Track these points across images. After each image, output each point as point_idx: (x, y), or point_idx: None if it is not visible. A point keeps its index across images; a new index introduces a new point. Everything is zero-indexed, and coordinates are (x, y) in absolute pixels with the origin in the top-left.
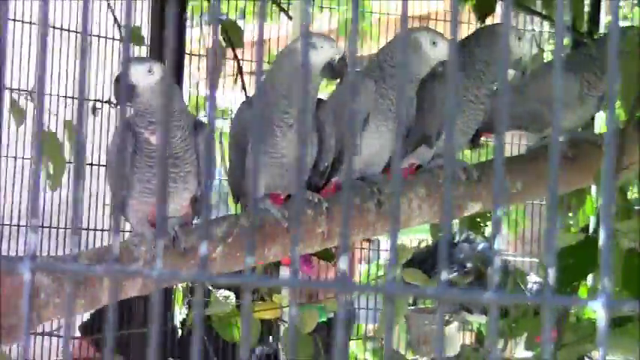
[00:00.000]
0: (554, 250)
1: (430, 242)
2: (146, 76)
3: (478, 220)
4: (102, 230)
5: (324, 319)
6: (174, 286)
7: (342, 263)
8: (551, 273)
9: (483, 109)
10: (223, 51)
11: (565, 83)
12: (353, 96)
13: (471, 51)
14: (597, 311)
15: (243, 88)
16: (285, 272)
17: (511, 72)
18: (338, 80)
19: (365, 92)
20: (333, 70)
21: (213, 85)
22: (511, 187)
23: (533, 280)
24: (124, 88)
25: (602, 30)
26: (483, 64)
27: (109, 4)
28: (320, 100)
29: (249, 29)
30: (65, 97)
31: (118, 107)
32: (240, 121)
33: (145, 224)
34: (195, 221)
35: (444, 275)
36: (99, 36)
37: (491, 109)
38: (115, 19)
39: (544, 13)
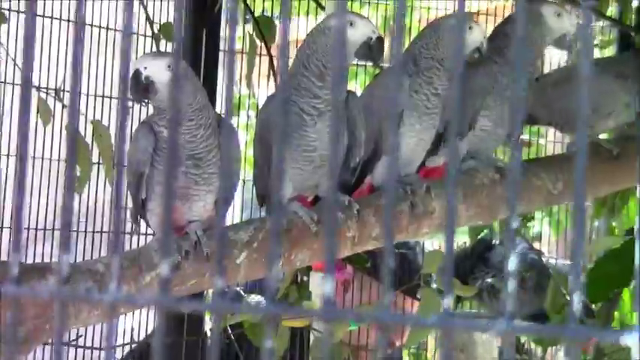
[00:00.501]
0: (579, 268)
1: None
2: (165, 72)
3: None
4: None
5: (353, 327)
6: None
7: (328, 286)
8: (576, 299)
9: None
10: (256, 47)
11: (612, 90)
12: (390, 93)
13: (505, 34)
14: (631, 346)
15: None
16: (315, 278)
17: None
18: (372, 63)
19: (398, 89)
20: (370, 50)
21: (230, 81)
22: (552, 187)
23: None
24: (136, 84)
25: None
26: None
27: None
28: (350, 92)
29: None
30: (96, 95)
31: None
32: (265, 114)
33: None
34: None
35: (447, 302)
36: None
37: (533, 101)
38: (147, 16)
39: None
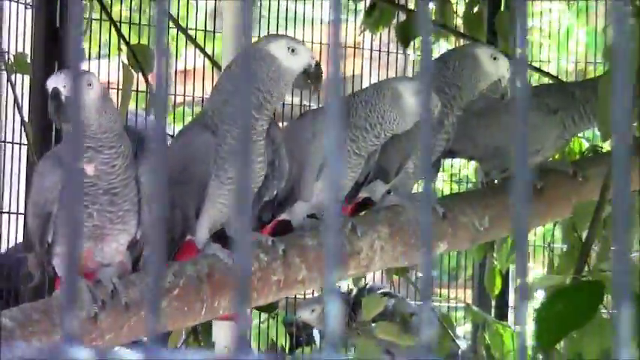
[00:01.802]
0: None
1: None
2: (87, 90)
3: None
4: None
5: None
6: None
7: (242, 323)
8: None
9: (446, 138)
10: (130, 77)
11: (542, 126)
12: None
13: (440, 73)
14: None
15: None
16: (220, 328)
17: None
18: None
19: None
20: (308, 78)
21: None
22: (478, 224)
23: None
24: (56, 105)
25: None
26: (455, 88)
27: None
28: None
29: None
30: None
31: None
32: (197, 148)
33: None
34: None
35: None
36: None
37: (455, 137)
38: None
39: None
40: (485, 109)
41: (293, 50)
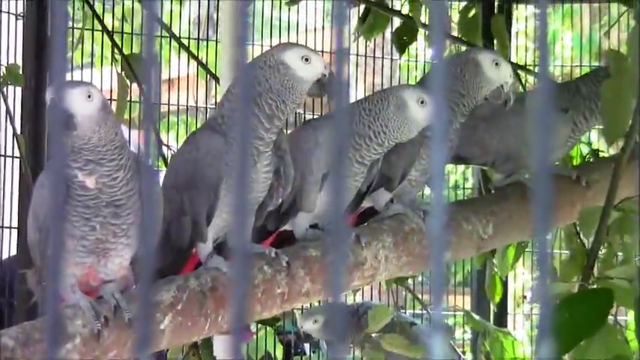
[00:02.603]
0: None
1: None
2: (85, 103)
3: None
4: None
5: None
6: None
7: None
8: None
9: (450, 146)
10: (125, 87)
11: (557, 123)
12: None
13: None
14: None
15: (154, 128)
16: (219, 342)
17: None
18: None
19: (327, 144)
20: (323, 87)
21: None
22: (482, 232)
23: None
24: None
25: None
26: (457, 94)
27: None
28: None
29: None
30: None
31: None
32: (197, 153)
33: (78, 291)
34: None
35: None
36: None
37: (463, 143)
38: None
39: None
40: (492, 113)
41: (307, 59)
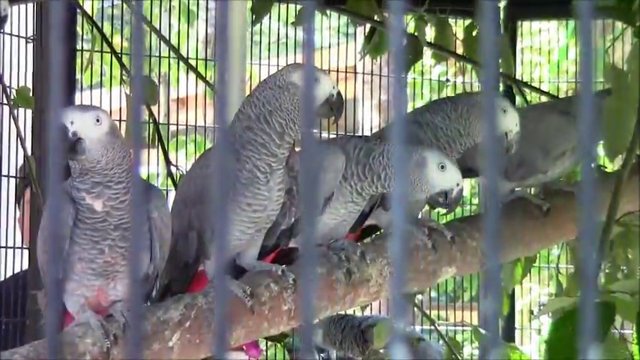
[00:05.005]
0: None
1: None
2: (94, 127)
3: None
4: None
5: None
6: None
7: None
8: None
9: None
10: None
11: (561, 127)
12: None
13: (445, 114)
14: None
15: (163, 148)
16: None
17: None
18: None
19: (332, 169)
20: (331, 108)
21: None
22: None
23: None
24: (64, 143)
25: None
26: (456, 132)
27: None
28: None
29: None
30: None
31: None
32: (206, 170)
33: (88, 310)
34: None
35: None
36: None
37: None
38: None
39: None
40: None
41: (316, 79)
